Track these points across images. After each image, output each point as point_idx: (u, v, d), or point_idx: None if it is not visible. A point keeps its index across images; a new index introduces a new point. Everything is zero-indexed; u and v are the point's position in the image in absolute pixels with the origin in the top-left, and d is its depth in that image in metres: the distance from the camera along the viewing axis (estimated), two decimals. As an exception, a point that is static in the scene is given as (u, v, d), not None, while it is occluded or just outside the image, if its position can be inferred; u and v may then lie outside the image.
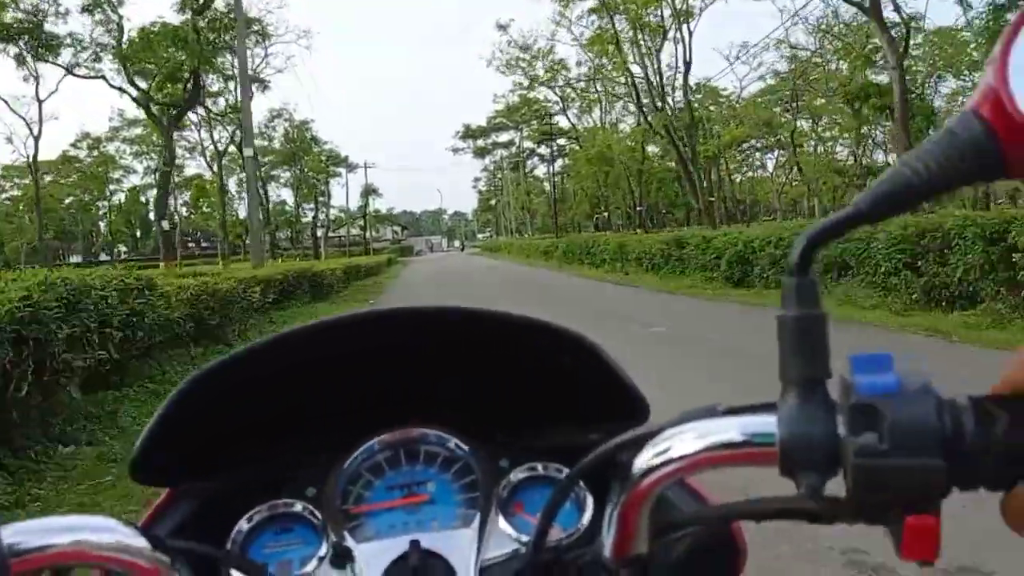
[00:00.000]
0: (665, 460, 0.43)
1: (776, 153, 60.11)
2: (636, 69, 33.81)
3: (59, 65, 29.58)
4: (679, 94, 33.35)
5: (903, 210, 0.37)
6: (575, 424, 0.74)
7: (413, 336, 0.76)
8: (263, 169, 58.59)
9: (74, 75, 29.32)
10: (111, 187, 68.82)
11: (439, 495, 0.74)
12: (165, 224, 26.29)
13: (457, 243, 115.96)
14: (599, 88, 52.78)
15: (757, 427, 0.40)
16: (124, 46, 25.89)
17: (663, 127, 29.46)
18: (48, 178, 62.38)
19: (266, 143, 58.08)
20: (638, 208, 49.20)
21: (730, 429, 0.41)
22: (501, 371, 0.78)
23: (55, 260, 79.77)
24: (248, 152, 15.93)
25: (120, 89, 28.93)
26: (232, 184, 62.32)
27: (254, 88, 43.05)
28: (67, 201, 71.09)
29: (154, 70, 27.44)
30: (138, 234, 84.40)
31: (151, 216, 64.64)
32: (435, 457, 0.76)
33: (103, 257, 76.94)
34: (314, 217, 63.15)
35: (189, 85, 26.70)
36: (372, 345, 0.75)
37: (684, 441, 0.42)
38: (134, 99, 28.56)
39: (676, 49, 30.31)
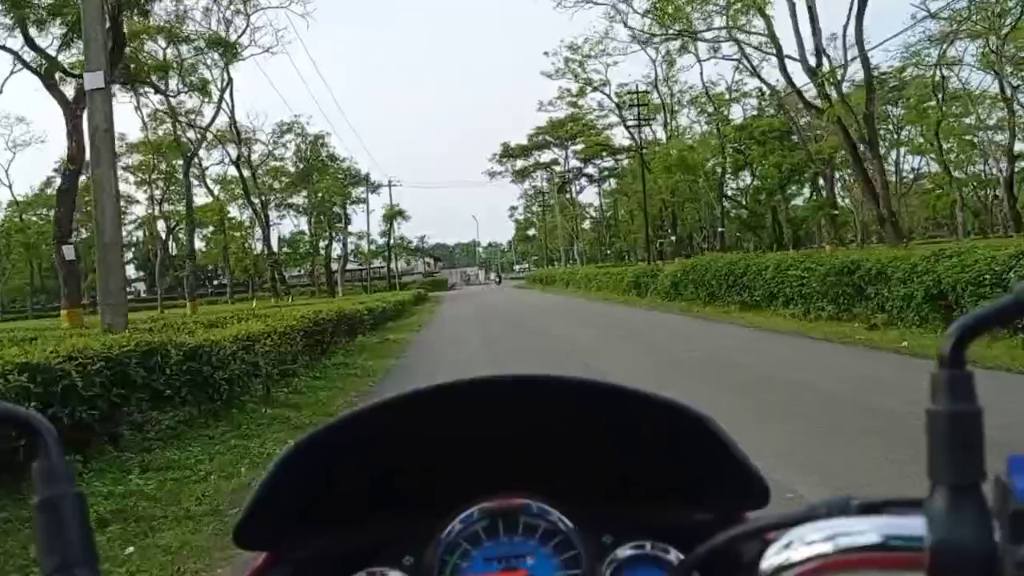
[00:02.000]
0: (793, 561, 0.39)
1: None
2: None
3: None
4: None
5: None
6: (681, 500, 0.72)
7: (515, 403, 0.71)
8: (276, 195, 51.24)
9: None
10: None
11: (539, 570, 0.69)
12: (67, 251, 17.74)
13: (493, 275, 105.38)
14: (666, 90, 44.62)
15: (900, 529, 0.37)
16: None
17: (824, 94, 19.59)
18: (41, 211, 56.11)
19: (277, 163, 50.82)
20: (719, 229, 40.45)
21: (868, 530, 0.38)
22: (603, 441, 0.73)
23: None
24: (96, 81, 7.59)
25: (5, 49, 21.06)
26: (235, 210, 54.94)
27: (222, 59, 31.32)
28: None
29: (52, 18, 19.31)
30: (157, 272, 77.66)
31: (171, 250, 57.63)
32: (535, 529, 0.71)
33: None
34: (327, 247, 54.74)
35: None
36: (471, 409, 0.72)
37: (814, 540, 0.38)
38: (26, 64, 20.67)
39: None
